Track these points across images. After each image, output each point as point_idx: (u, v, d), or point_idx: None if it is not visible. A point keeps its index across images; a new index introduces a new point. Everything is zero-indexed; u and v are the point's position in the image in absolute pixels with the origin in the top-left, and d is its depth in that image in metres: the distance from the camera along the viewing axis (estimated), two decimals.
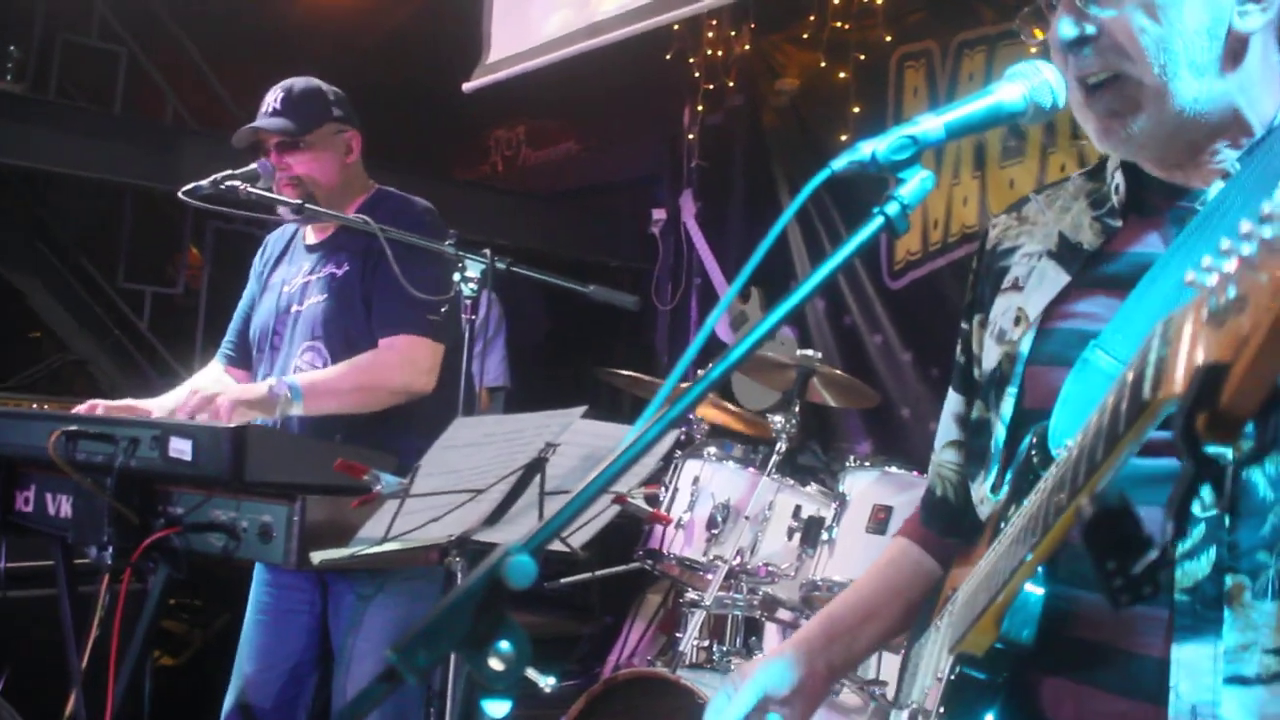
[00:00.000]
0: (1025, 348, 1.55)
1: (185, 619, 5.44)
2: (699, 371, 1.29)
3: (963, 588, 1.49)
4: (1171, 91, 1.41)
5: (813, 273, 1.31)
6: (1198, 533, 1.32)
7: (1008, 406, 1.56)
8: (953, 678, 1.43)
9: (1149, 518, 1.24)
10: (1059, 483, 1.18)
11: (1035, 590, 1.35)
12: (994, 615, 1.35)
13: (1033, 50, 1.57)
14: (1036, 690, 1.43)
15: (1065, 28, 1.44)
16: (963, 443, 1.74)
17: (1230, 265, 0.90)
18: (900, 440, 5.87)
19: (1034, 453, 1.42)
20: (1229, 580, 1.31)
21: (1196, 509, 1.32)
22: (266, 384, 3.03)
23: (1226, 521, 1.31)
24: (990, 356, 1.63)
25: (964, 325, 1.75)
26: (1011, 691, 1.41)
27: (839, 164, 1.33)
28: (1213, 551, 1.31)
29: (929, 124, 1.38)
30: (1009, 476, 1.49)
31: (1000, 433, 1.55)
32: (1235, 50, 1.44)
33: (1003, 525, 1.42)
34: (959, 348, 1.76)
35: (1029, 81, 1.43)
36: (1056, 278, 1.57)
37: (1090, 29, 1.43)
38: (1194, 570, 1.32)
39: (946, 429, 1.78)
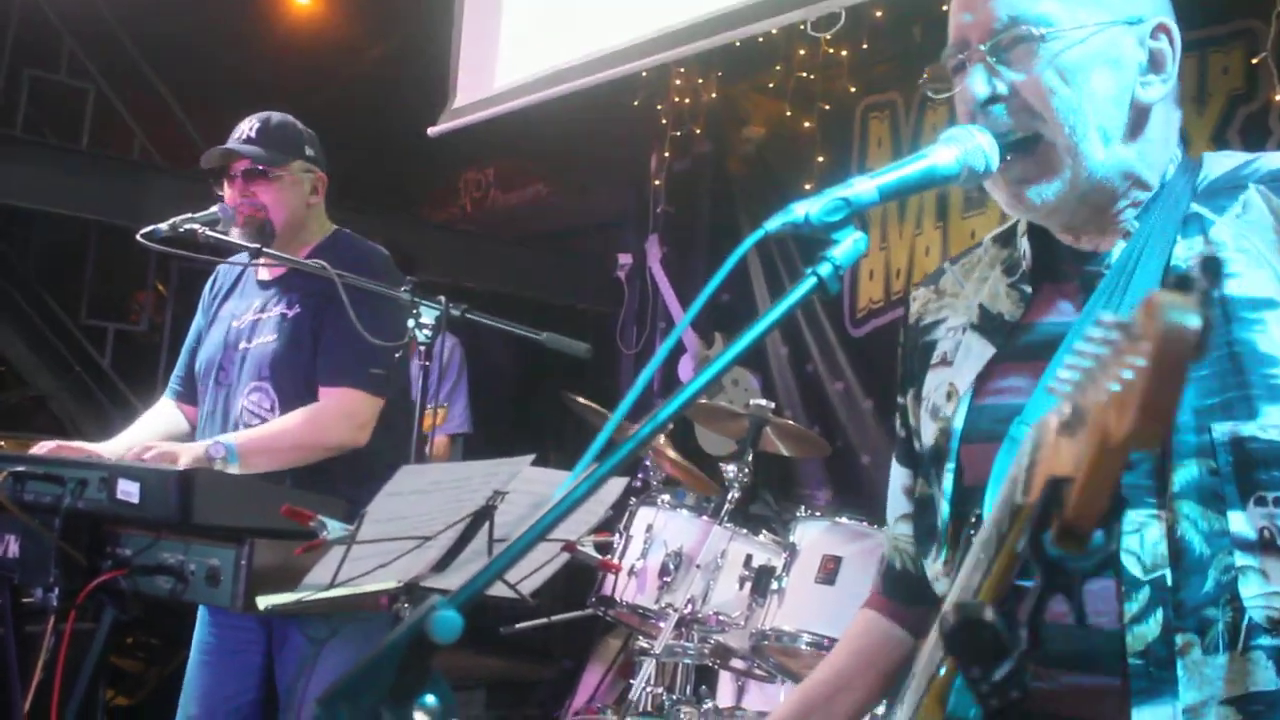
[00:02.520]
0: (959, 423, 1.57)
1: (141, 657, 5.39)
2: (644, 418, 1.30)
3: (914, 670, 1.50)
4: (1082, 154, 1.45)
5: (746, 331, 1.32)
6: (1143, 596, 1.34)
7: (948, 483, 1.57)
8: None
9: (1094, 591, 1.25)
10: (965, 579, 1.21)
11: None
12: (936, 695, 1.34)
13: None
14: None
15: (978, 85, 1.48)
16: (913, 515, 1.75)
17: (1073, 380, 0.94)
18: (859, 487, 5.88)
19: (973, 533, 1.43)
20: (1179, 640, 1.32)
21: (1139, 571, 1.34)
22: (205, 445, 3.04)
23: (1170, 581, 1.33)
24: (928, 433, 1.64)
25: (900, 400, 1.77)
26: None
27: (772, 225, 1.34)
28: (1160, 613, 1.33)
29: (862, 186, 1.38)
30: (957, 557, 1.51)
31: (945, 510, 1.57)
32: (1138, 120, 1.49)
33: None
34: (898, 422, 1.78)
35: (963, 146, 1.44)
36: (982, 351, 1.59)
37: (1003, 88, 1.47)
38: (1144, 634, 1.34)
39: (897, 502, 1.79)
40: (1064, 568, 0.99)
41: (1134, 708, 1.33)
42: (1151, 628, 1.33)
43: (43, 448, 3.02)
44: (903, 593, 1.78)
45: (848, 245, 1.36)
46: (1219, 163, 1.52)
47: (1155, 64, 1.49)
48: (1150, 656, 1.33)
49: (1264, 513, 1.33)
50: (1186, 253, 1.43)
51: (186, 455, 2.96)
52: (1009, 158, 1.46)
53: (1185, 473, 1.35)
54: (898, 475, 1.79)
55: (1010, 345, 1.56)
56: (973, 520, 1.45)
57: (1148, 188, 1.50)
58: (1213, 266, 1.28)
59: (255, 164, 3.25)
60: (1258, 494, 1.33)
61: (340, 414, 3.13)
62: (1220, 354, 1.36)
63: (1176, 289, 0.89)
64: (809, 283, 1.34)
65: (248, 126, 3.31)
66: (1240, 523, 1.33)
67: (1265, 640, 1.32)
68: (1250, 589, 1.32)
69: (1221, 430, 1.34)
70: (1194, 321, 0.87)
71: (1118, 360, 0.89)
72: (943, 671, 1.31)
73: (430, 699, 1.13)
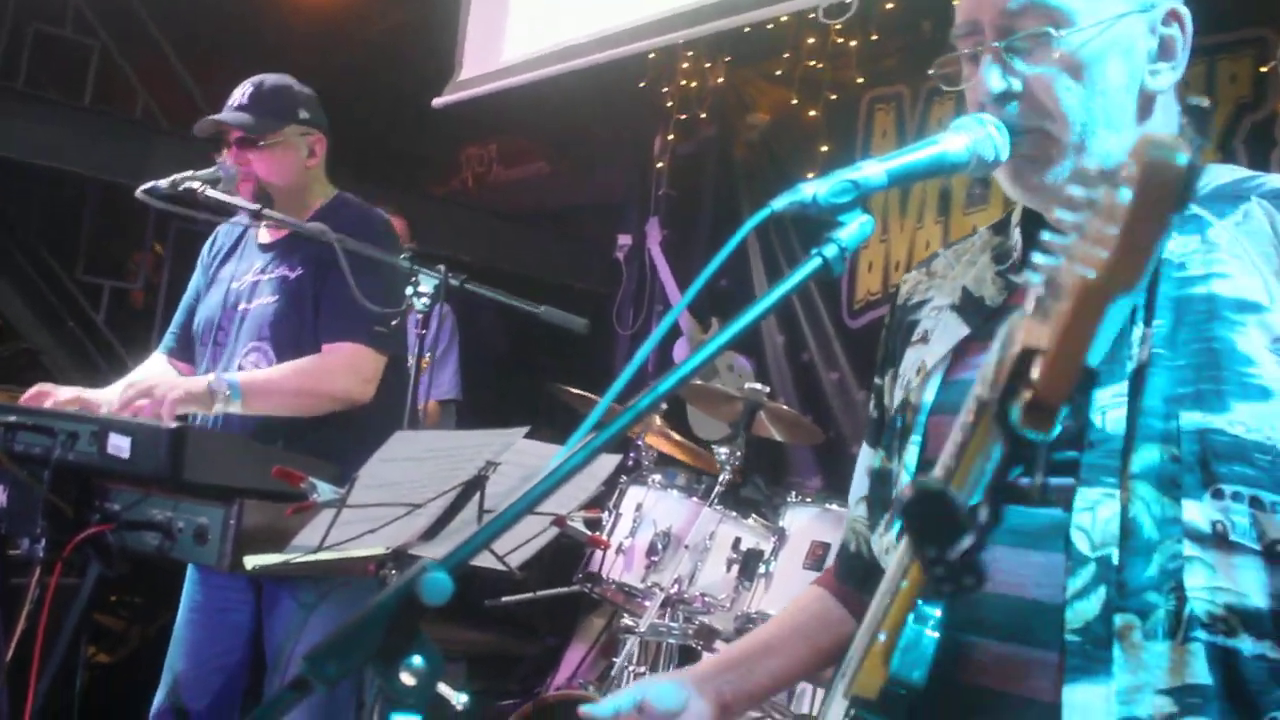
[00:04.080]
0: (928, 397, 1.57)
1: (124, 616, 5.38)
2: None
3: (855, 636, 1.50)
4: (1089, 150, 1.45)
5: (745, 312, 1.32)
6: (1087, 572, 1.34)
7: (911, 456, 1.57)
8: None
9: (1040, 563, 1.25)
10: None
11: (930, 634, 1.36)
12: (881, 653, 1.31)
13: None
14: None
15: (993, 80, 1.47)
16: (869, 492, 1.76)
17: (1052, 261, 0.93)
18: (850, 478, 5.88)
19: None
20: (1118, 620, 1.32)
21: (1086, 548, 1.34)
22: (207, 379, 3.00)
23: (1115, 560, 1.33)
24: (897, 408, 1.65)
25: (877, 380, 1.77)
26: None
27: (779, 204, 1.34)
28: (1102, 591, 1.33)
29: (871, 170, 1.38)
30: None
31: (905, 482, 1.57)
32: (1145, 107, 1.49)
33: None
34: (872, 403, 1.78)
35: (973, 134, 1.44)
36: (957, 329, 1.60)
37: (1016, 85, 1.46)
38: (1084, 610, 1.34)
39: (860, 483, 1.79)
40: (1027, 439, 0.97)
41: (1066, 684, 1.33)
42: (1092, 605, 1.33)
43: (40, 393, 3.01)
44: (854, 577, 1.79)
45: (854, 228, 1.36)
46: (1222, 173, 1.52)
47: (1165, 51, 1.49)
48: (1088, 634, 1.33)
49: (1219, 506, 1.33)
50: (1180, 248, 1.43)
51: (186, 387, 2.94)
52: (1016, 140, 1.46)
53: (1146, 456, 1.35)
54: (865, 457, 1.79)
55: (986, 328, 1.56)
56: None
57: None
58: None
59: (245, 132, 3.23)
60: (1216, 487, 1.33)
61: (346, 366, 3.11)
62: (1199, 347, 1.37)
63: None
64: (813, 263, 1.34)
65: (241, 93, 3.28)
66: (1194, 512, 1.33)
67: (1203, 635, 1.32)
68: (1195, 580, 1.32)
69: (1189, 420, 1.34)
70: (1181, 159, 0.86)
71: (1099, 225, 0.88)
72: (883, 638, 1.29)
73: (417, 660, 1.14)
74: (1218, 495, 1.33)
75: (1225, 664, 1.32)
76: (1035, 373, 0.94)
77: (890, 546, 1.60)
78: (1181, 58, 1.50)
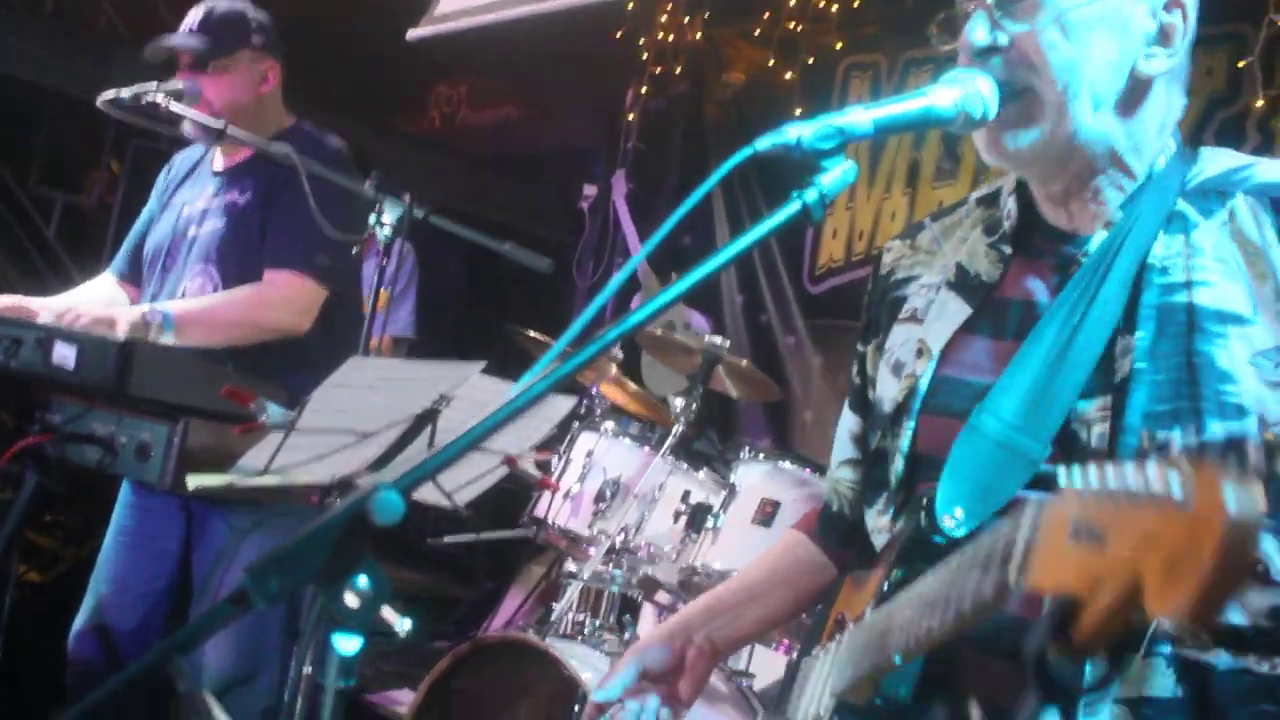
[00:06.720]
0: (924, 384, 1.57)
1: (59, 535, 5.31)
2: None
3: (851, 630, 1.50)
4: (1069, 113, 1.44)
5: (723, 249, 1.30)
6: None
7: (905, 442, 1.57)
8: None
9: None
10: (928, 609, 1.21)
11: None
12: (874, 680, 1.38)
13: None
14: None
15: (978, 34, 1.46)
16: (859, 462, 1.76)
17: (1096, 489, 0.90)
18: (800, 442, 5.90)
19: (922, 516, 1.44)
20: None
21: None
22: (142, 310, 2.98)
23: None
24: (888, 387, 1.64)
25: (860, 348, 1.77)
26: None
27: (763, 144, 1.32)
28: None
29: (858, 116, 1.38)
30: (900, 523, 1.53)
31: (900, 467, 1.57)
32: (1135, 93, 1.47)
33: (887, 585, 1.45)
34: (854, 369, 1.78)
35: (963, 89, 1.43)
36: (957, 310, 1.59)
37: (1003, 39, 1.45)
38: None
39: (843, 447, 1.80)
40: (1064, 685, 0.96)
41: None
42: None
43: None
44: (835, 536, 1.80)
45: (836, 174, 1.34)
46: (1216, 161, 1.50)
47: (1164, 37, 1.47)
48: None
49: None
50: (1164, 251, 1.43)
51: (123, 319, 2.90)
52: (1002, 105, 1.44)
53: None
54: (847, 420, 1.79)
55: (984, 311, 1.55)
56: (916, 500, 1.47)
57: (1131, 173, 1.49)
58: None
59: (195, 55, 3.18)
60: None
61: (282, 297, 3.09)
62: (1178, 362, 1.36)
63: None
64: (792, 206, 1.32)
65: (193, 17, 3.26)
66: None
67: (1166, 648, 1.33)
68: None
69: (1165, 438, 1.34)
70: (1258, 509, 0.81)
71: (1158, 509, 0.84)
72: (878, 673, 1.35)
73: (363, 581, 1.11)
74: None
75: (1197, 677, 1.33)
76: (1076, 618, 0.91)
77: (883, 528, 1.60)
78: (1180, 45, 1.48)
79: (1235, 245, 1.40)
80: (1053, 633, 0.92)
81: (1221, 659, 1.33)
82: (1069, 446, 1.38)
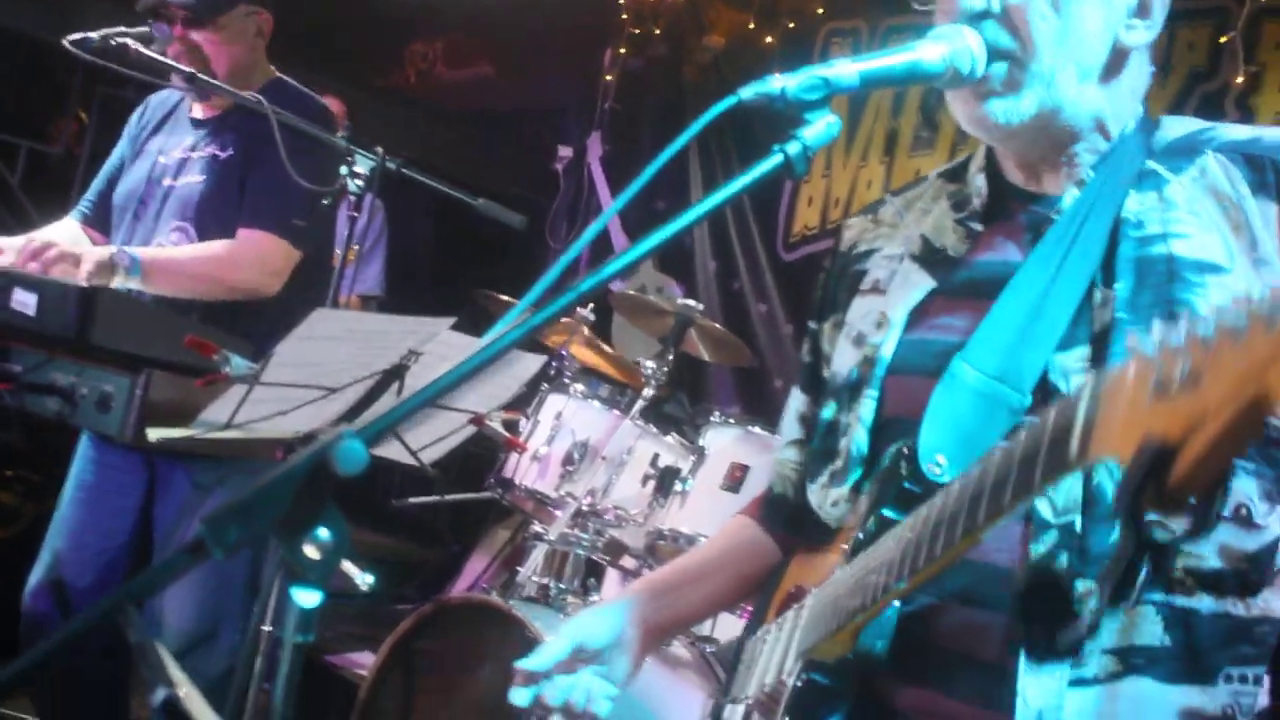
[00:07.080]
0: (887, 352, 1.55)
1: (20, 491, 5.24)
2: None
3: (816, 592, 1.49)
4: (1054, 85, 1.44)
5: (698, 204, 1.28)
6: (1050, 539, 1.34)
7: (868, 410, 1.55)
8: (799, 683, 1.44)
9: (1002, 529, 1.23)
10: (949, 516, 1.19)
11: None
12: (854, 630, 1.37)
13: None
14: (886, 697, 1.44)
15: None
16: (804, 442, 1.74)
17: (1184, 340, 0.89)
18: (770, 410, 5.87)
19: (903, 465, 1.42)
20: (1079, 585, 1.32)
21: (1049, 514, 1.34)
22: (110, 250, 2.91)
23: (1078, 527, 1.33)
24: (845, 358, 1.62)
25: (812, 325, 1.75)
26: (860, 698, 1.42)
27: (747, 93, 1.32)
28: (1064, 558, 1.32)
29: (845, 69, 1.38)
30: (868, 485, 1.50)
31: (862, 437, 1.55)
32: (1115, 63, 1.48)
33: (861, 535, 1.43)
34: (806, 347, 1.76)
35: (951, 44, 1.41)
36: (921, 281, 1.57)
37: (996, 6, 1.43)
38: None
39: (790, 428, 1.78)
40: (1156, 538, 0.98)
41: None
42: (1054, 570, 1.34)
43: None
44: (779, 520, 1.79)
45: (820, 127, 1.33)
46: (1176, 126, 1.52)
47: (1143, 8, 1.48)
48: None
49: None
50: (1138, 206, 1.43)
51: (91, 257, 2.84)
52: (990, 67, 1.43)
53: None
54: (795, 401, 1.78)
55: (950, 281, 1.54)
56: (895, 452, 1.44)
57: (1109, 136, 1.50)
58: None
59: (193, 14, 3.10)
60: None
61: (254, 256, 3.04)
62: (1160, 312, 1.36)
63: None
64: (774, 159, 1.30)
65: None
66: None
67: (1157, 596, 1.33)
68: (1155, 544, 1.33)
69: None
70: None
71: (1265, 328, 0.85)
72: (859, 619, 1.34)
73: (323, 532, 1.08)
74: None
75: (1183, 624, 1.34)
76: (1170, 466, 0.91)
77: (839, 500, 1.57)
78: (1158, 17, 1.49)
79: (1210, 198, 1.41)
80: (1140, 490, 0.93)
81: (1204, 603, 1.34)
82: (1049, 397, 1.37)
